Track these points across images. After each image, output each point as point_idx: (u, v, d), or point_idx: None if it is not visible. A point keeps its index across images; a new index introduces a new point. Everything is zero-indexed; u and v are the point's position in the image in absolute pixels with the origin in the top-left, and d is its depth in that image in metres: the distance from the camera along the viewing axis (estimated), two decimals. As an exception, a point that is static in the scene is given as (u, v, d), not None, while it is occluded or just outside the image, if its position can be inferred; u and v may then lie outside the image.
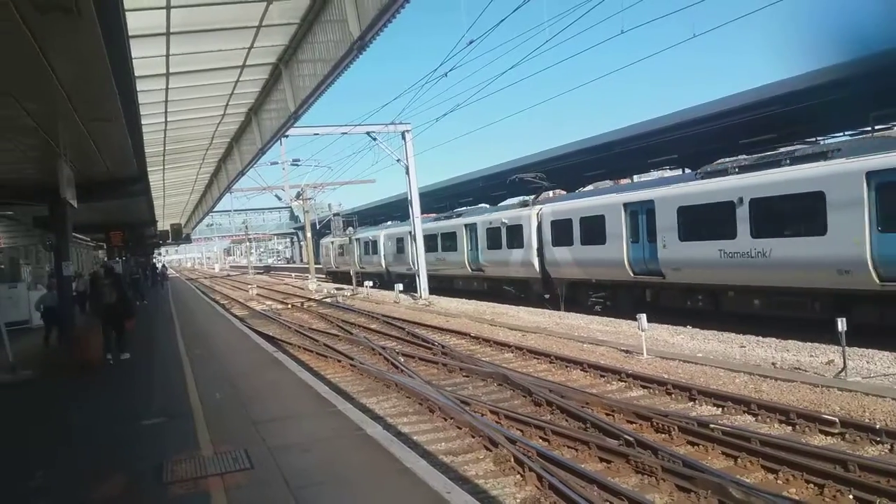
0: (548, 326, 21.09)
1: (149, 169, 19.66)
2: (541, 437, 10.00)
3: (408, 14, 9.96)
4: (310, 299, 39.09)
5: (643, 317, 15.65)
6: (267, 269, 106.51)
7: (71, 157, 14.11)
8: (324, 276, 58.81)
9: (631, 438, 9.33)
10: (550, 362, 15.48)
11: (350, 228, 50.07)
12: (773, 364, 13.83)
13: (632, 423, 10.45)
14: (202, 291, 52.77)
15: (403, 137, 34.00)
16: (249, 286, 53.56)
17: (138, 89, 11.08)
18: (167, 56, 13.09)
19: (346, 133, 33.96)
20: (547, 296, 26.96)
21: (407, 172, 34.44)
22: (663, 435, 9.77)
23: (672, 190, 20.06)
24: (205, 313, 29.60)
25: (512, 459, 8.77)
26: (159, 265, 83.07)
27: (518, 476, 8.43)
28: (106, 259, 37.72)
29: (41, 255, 33.43)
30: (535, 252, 26.71)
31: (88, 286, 19.76)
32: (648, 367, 14.19)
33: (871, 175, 14.46)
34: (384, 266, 44.50)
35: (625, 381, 13.17)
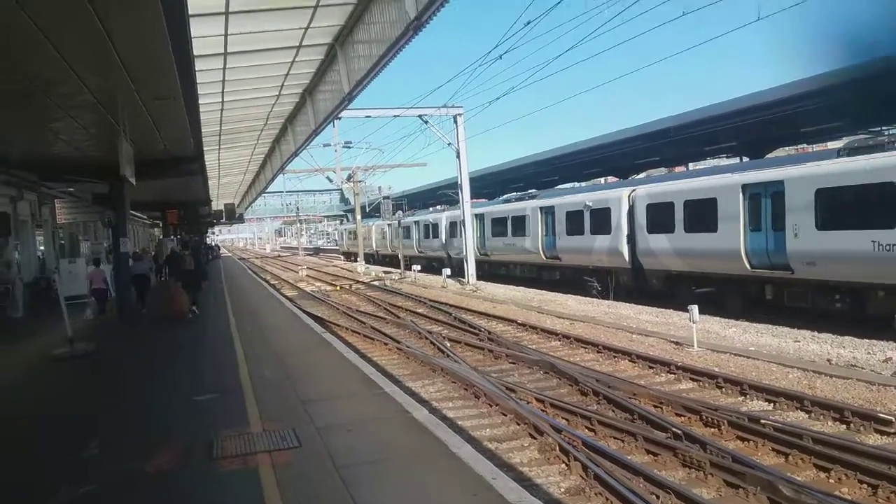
0: (596, 315, 20.88)
1: (205, 148, 19.99)
2: (587, 427, 9.91)
3: (464, -4, 9.87)
4: (358, 282, 39.41)
5: (695, 308, 15.36)
6: (316, 251, 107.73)
7: (130, 135, 14.41)
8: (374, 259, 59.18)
9: (679, 431, 9.19)
10: (598, 352, 15.32)
11: (399, 212, 50.18)
12: (828, 360, 13.45)
13: (680, 415, 10.29)
14: (253, 271, 53.65)
15: (455, 121, 33.91)
16: (299, 267, 54.24)
17: (197, 68, 11.24)
18: (225, 35, 13.27)
19: (398, 116, 34.04)
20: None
21: (458, 156, 34.35)
22: (712, 429, 9.60)
23: (808, 169, 17.33)
24: (255, 292, 30.08)
25: (557, 448, 8.72)
26: (212, 244, 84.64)
27: (563, 465, 8.38)
28: (161, 236, 38.69)
29: (99, 232, 34.31)
30: (624, 239, 24.02)
31: (171, 258, 24.01)
32: (699, 360, 13.94)
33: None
34: (444, 250, 42.47)
35: (674, 374, 12.96)
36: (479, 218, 35.87)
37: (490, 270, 36.34)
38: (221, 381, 10.70)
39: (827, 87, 20.95)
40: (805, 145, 32.19)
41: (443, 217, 42.98)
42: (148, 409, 9.43)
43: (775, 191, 17.69)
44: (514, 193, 37.10)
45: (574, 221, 27.00)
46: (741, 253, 18.71)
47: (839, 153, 17.24)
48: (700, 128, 26.76)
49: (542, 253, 30.06)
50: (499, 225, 34.04)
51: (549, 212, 29.40)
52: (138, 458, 7.04)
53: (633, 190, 24.16)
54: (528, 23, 16.04)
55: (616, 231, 24.17)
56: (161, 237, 41.11)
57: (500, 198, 37.51)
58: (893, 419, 9.29)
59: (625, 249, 23.85)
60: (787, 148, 31.46)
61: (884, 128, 26.59)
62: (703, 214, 20.01)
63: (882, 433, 9.22)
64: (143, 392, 10.62)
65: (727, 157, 32.97)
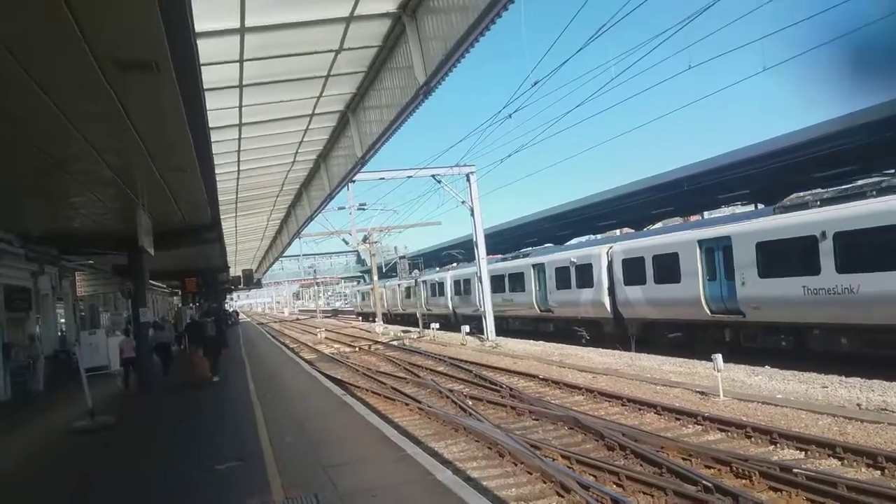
0: (619, 368, 20.65)
1: (222, 216, 20.26)
2: (615, 483, 9.71)
3: (473, 57, 10.09)
4: (377, 342, 39.29)
5: (719, 357, 15.18)
6: (335, 313, 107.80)
7: (148, 207, 14.68)
8: (393, 317, 59.18)
9: (710, 484, 8.98)
10: (623, 405, 15.11)
11: (416, 271, 50.36)
12: (857, 405, 13.19)
13: (710, 467, 10.07)
14: (271, 335, 53.66)
15: (468, 179, 34.24)
16: (317, 329, 54.20)
17: (212, 140, 11.50)
18: (240, 107, 13.60)
19: (411, 176, 34.44)
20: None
21: (472, 214, 34.58)
22: (744, 480, 9.38)
23: (750, 225, 19.66)
24: (274, 357, 30.05)
25: (585, 506, 8.55)
26: (230, 310, 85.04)
27: (592, 523, 8.20)
28: (180, 305, 39.03)
29: (119, 302, 34.60)
30: (605, 291, 26.15)
31: (191, 326, 24.88)
32: (726, 410, 13.71)
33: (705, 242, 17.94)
34: (450, 308, 44.56)
35: (701, 425, 12.73)
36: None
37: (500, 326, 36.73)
38: (242, 449, 10.63)
39: (832, 135, 21.09)
40: (820, 189, 32.18)
41: (447, 276, 43.71)
42: (169, 480, 9.37)
43: (725, 245, 20.31)
44: (521, 250, 37.89)
45: (562, 277, 29.57)
46: (701, 300, 21.11)
47: (774, 210, 19.60)
48: (712, 177, 26.88)
49: (536, 306, 32.51)
50: (497, 282, 35.59)
51: (540, 268, 31.85)
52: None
53: (611, 246, 26.68)
54: (536, 83, 16.31)
55: (598, 284, 26.67)
56: (180, 305, 41.36)
57: (509, 255, 37.84)
58: (929, 464, 9.06)
59: (606, 301, 26.30)
60: (801, 193, 31.46)
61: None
62: (669, 267, 22.43)
63: (918, 478, 8.99)
64: (165, 462, 10.56)
65: (742, 205, 32.98)
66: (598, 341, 27.12)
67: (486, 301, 34.10)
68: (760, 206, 28.81)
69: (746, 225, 19.80)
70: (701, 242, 21.05)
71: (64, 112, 7.75)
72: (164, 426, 14.04)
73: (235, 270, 50.54)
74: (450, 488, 7.54)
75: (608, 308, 26.09)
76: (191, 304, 39.16)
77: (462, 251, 54.95)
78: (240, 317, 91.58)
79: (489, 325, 33.88)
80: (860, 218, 16.05)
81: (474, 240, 34.74)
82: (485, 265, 34.56)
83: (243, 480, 8.80)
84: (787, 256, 18.00)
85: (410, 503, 7.20)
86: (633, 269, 24.27)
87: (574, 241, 42.77)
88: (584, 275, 27.46)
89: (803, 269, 17.30)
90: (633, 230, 37.98)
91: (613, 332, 26.28)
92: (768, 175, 25.54)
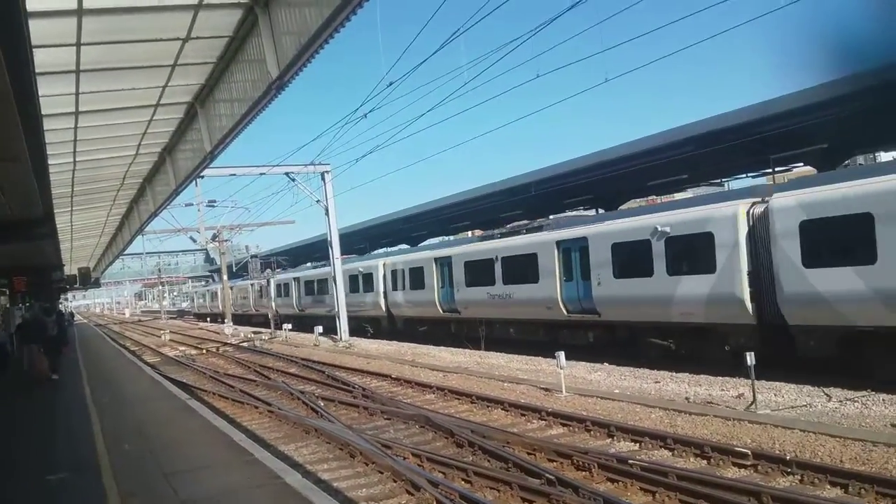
0: (469, 366, 21.12)
1: (56, 211, 18.90)
2: (463, 479, 9.92)
3: (328, 54, 9.97)
4: (226, 344, 38.06)
5: (562, 354, 15.84)
6: (181, 314, 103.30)
7: (-30, 199, 13.46)
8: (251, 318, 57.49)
9: (552, 477, 9.36)
10: (472, 402, 15.47)
11: (267, 270, 49.24)
12: (686, 399, 14.20)
13: (553, 461, 10.51)
14: (111, 338, 50.69)
15: (323, 178, 33.85)
16: (162, 331, 51.76)
17: (45, 128, 10.71)
18: (77, 94, 12.72)
19: (264, 174, 33.58)
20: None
21: (327, 213, 34.22)
22: (584, 472, 9.85)
23: (465, 248, 28.21)
24: (113, 360, 28.40)
25: (434, 503, 8.67)
26: (66, 311, 79.54)
27: (441, 520, 8.33)
28: (8, 305, 36.28)
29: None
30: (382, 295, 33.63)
31: (32, 322, 23.05)
32: (568, 405, 14.34)
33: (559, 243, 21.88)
34: (297, 308, 45.36)
35: (545, 420, 13.27)
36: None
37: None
38: (76, 458, 9.98)
39: (666, 145, 22.59)
40: (654, 196, 34.36)
41: (297, 276, 43.76)
42: (-9, 496, 8.65)
43: (447, 261, 27.12)
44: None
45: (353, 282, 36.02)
46: (436, 302, 27.23)
47: (481, 239, 26.55)
48: (558, 182, 28.00)
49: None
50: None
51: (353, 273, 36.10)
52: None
53: (383, 261, 34.47)
54: (392, 83, 16.40)
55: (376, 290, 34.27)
56: (8, 305, 38.26)
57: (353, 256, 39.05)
58: (749, 452, 9.86)
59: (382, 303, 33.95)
60: (637, 200, 33.48)
61: (723, 179, 28.83)
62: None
63: (739, 466, 9.76)
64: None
65: (584, 209, 34.57)
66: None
67: (339, 301, 33.84)
68: (601, 210, 30.36)
69: (457, 248, 28.65)
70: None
71: None
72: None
73: (71, 269, 47.29)
74: (299, 491, 7.43)
75: (383, 308, 33.87)
76: (20, 305, 36.26)
77: (286, 258, 55.17)
78: (75, 318, 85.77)
79: (342, 325, 33.65)
80: (510, 248, 24.48)
81: (329, 239, 34.40)
82: (339, 265, 34.30)
83: (77, 492, 8.28)
84: (481, 272, 25.64)
85: (257, 508, 7.03)
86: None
87: (431, 241, 43.86)
88: (368, 281, 35.02)
89: (487, 281, 25.19)
90: (483, 231, 39.10)
91: (388, 327, 34.43)
92: (608, 182, 26.93)
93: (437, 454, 11.13)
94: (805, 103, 17.86)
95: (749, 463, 9.71)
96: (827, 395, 13.35)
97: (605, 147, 26.12)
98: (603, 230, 20.21)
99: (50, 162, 13.31)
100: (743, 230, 15.97)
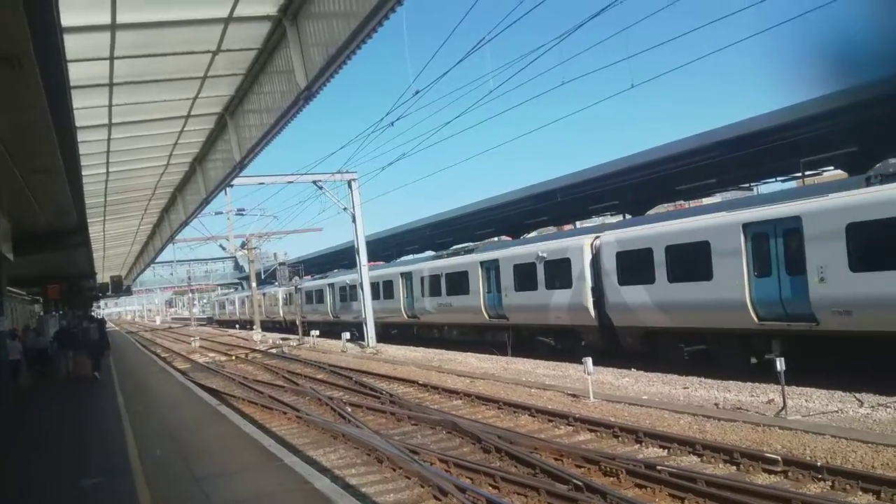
0: (496, 372, 21.14)
1: (89, 220, 19.30)
2: (490, 485, 9.96)
3: (355, 65, 10.11)
4: (254, 350, 38.43)
5: (589, 360, 15.82)
6: (210, 321, 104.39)
7: (7, 209, 13.80)
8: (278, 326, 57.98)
9: (580, 483, 9.36)
10: (499, 408, 15.50)
11: (296, 278, 49.66)
12: (715, 404, 14.10)
13: (580, 467, 10.50)
14: (142, 345, 51.39)
15: (350, 186, 34.11)
16: (191, 338, 52.37)
17: (79, 140, 10.97)
18: (110, 107, 13.02)
19: (291, 182, 33.94)
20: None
21: (353, 221, 34.46)
22: (611, 478, 9.84)
23: (418, 266, 33.29)
24: (145, 367, 28.83)
25: (462, 508, 8.72)
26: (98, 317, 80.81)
27: (468, 525, 8.38)
28: (42, 313, 37.05)
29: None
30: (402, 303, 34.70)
31: (68, 330, 27.54)
32: (595, 411, 14.31)
33: (484, 263, 26.91)
34: (330, 314, 45.07)
35: (572, 426, 13.26)
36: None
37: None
38: (109, 463, 10.16)
39: (693, 150, 22.49)
40: (682, 202, 34.13)
41: (326, 284, 43.61)
42: (29, 498, 8.84)
43: (420, 276, 31.77)
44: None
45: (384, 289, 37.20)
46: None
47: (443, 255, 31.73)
48: (583, 188, 27.97)
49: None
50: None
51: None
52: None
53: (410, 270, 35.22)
54: (417, 92, 16.52)
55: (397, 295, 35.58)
56: (42, 313, 39.01)
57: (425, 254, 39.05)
58: (779, 458, 9.79)
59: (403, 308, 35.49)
60: (665, 205, 33.28)
61: (752, 184, 28.59)
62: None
63: (769, 472, 9.67)
64: (25, 479, 9.92)
65: (611, 215, 34.46)
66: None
67: (366, 307, 34.03)
68: (628, 216, 30.23)
69: (421, 265, 33.26)
70: (402, 274, 32.81)
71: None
72: (25, 440, 13.21)
73: (103, 277, 48.07)
74: (328, 496, 7.52)
75: (404, 314, 34.88)
76: (54, 312, 36.95)
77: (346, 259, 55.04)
78: (106, 326, 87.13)
79: (370, 331, 33.83)
80: (452, 266, 29.54)
81: (356, 246, 34.62)
82: (366, 272, 34.50)
83: (110, 496, 8.43)
84: (432, 285, 30.91)
85: (287, 512, 7.13)
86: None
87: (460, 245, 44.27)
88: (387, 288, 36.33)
89: (436, 292, 30.36)
90: (510, 237, 39.26)
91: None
92: (635, 187, 26.87)
93: (464, 460, 11.17)
94: (835, 106, 17.70)
95: (779, 469, 9.63)
96: (859, 400, 13.19)
97: (631, 153, 25.95)
98: (508, 254, 25.75)
99: (84, 173, 13.63)
100: (587, 257, 21.32)
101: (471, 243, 32.06)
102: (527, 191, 31.89)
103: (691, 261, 17.47)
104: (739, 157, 22.02)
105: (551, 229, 38.76)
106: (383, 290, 35.98)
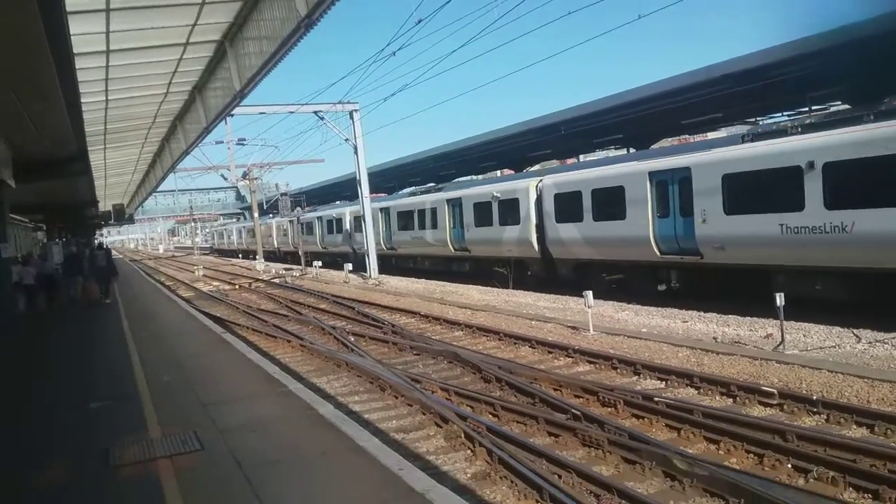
0: (496, 304, 21.31)
1: (89, 148, 19.21)
2: (490, 413, 10.15)
3: (355, -8, 9.77)
4: (258, 280, 38.70)
5: (589, 294, 15.92)
6: (212, 250, 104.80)
7: (8, 136, 13.70)
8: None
9: (578, 413, 9.53)
10: (499, 339, 15.68)
11: (298, 209, 49.63)
12: (714, 338, 14.24)
13: (579, 397, 10.68)
14: (146, 273, 51.74)
15: (351, 117, 33.72)
16: (195, 267, 52.69)
17: (77, 66, 10.80)
18: (107, 33, 12.78)
19: (293, 112, 33.51)
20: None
21: (355, 152, 34.20)
22: (609, 409, 10.01)
23: (393, 202, 36.27)
24: (149, 295, 29.11)
25: (462, 435, 8.90)
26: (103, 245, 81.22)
27: (468, 451, 8.56)
28: (45, 240, 37.33)
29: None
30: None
31: (74, 257, 28.95)
32: (595, 343, 14.47)
33: (450, 201, 29.82)
34: (319, 245, 47.02)
35: (572, 357, 13.42)
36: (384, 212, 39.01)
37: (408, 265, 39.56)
38: (117, 388, 10.35)
39: (698, 83, 22.08)
40: (687, 136, 33.73)
41: (346, 212, 43.29)
42: (38, 421, 9.03)
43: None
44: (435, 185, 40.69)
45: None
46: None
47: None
48: (588, 121, 27.62)
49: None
50: (407, 218, 36.89)
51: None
52: (30, 470, 6.76)
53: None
54: (420, 21, 16.19)
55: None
56: (45, 241, 39.19)
57: (419, 189, 38.61)
58: (775, 391, 9.92)
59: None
60: (669, 139, 32.94)
61: (757, 118, 28.19)
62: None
63: (765, 405, 9.80)
64: (33, 403, 10.13)
65: (615, 149, 34.16)
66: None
67: (369, 239, 34.09)
68: (632, 150, 29.96)
69: (395, 202, 36.09)
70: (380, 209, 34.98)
71: None
72: (33, 367, 13.44)
73: (105, 205, 48.06)
74: (331, 422, 7.68)
75: (383, 246, 36.65)
76: (57, 240, 37.09)
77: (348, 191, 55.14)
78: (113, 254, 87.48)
79: (372, 262, 33.98)
80: (423, 203, 32.09)
81: (357, 178, 34.45)
82: (368, 203, 34.44)
83: (119, 419, 8.60)
84: (407, 220, 33.71)
85: (292, 437, 7.28)
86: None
87: (464, 178, 44.02)
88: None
89: (409, 227, 33.42)
90: (513, 170, 39.14)
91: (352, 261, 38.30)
92: (640, 121, 26.53)
93: (465, 389, 11.37)
94: (843, 40, 17.31)
95: (775, 402, 9.77)
96: (857, 336, 13.30)
97: (635, 87, 25.48)
98: (469, 193, 28.54)
99: (83, 100, 13.46)
100: (533, 198, 23.95)
101: (439, 184, 35.18)
102: (530, 123, 31.48)
103: (611, 203, 20.24)
104: (746, 91, 21.64)
105: (554, 163, 38.53)
106: (335, 226, 41.37)
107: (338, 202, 52.56)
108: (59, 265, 29.06)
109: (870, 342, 12.79)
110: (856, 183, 14.15)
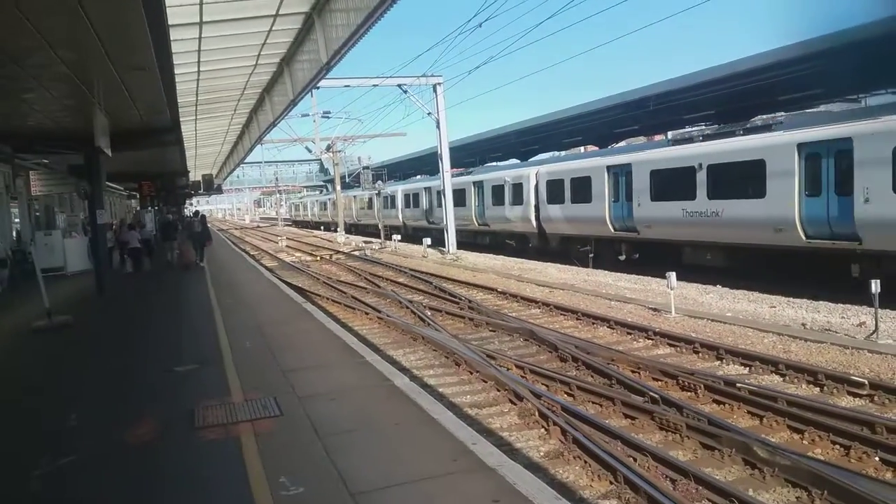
0: (575, 283, 21.06)
1: (181, 119, 19.76)
2: (566, 393, 10.07)
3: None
4: (338, 252, 39.38)
5: (672, 275, 15.56)
6: (296, 222, 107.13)
7: (105, 106, 14.23)
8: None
9: (656, 396, 9.36)
10: (577, 319, 15.49)
11: (379, 182, 50.10)
12: (803, 325, 13.70)
13: (657, 380, 10.47)
14: (232, 242, 53.39)
15: (434, 90, 33.68)
16: (279, 238, 54.02)
17: (172, 38, 11.09)
18: (201, 4, 13.07)
19: (376, 85, 33.67)
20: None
21: (438, 126, 34.19)
22: (689, 393, 9.79)
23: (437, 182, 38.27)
24: (234, 263, 30.04)
25: (536, 413, 8.86)
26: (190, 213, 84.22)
27: (542, 430, 8.53)
28: (138, 208, 39.05)
29: (75, 203, 33.93)
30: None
31: (169, 224, 31.67)
32: (676, 326, 14.15)
33: (476, 183, 35.80)
34: (401, 220, 48.53)
35: (651, 339, 13.15)
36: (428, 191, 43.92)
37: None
38: (202, 352, 10.71)
39: (804, 56, 21.00)
40: (783, 113, 32.27)
41: (421, 187, 44.03)
42: (128, 381, 9.44)
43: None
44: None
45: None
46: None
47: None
48: (679, 96, 26.75)
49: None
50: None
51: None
52: (119, 428, 7.07)
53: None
54: (506, -9, 16.00)
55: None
56: (138, 208, 40.82)
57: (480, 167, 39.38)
58: (866, 382, 9.50)
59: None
60: (764, 116, 31.60)
61: (861, 95, 26.75)
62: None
63: (854, 395, 9.43)
64: (123, 363, 10.60)
65: (707, 125, 33.01)
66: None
67: (448, 214, 34.16)
68: (724, 126, 28.90)
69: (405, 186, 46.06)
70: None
71: (17, 3, 7.38)
72: (123, 328, 14.06)
73: (195, 175, 49.60)
74: (406, 394, 7.75)
75: (426, 221, 42.68)
76: (149, 208, 38.58)
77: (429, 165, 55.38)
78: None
79: (450, 238, 34.06)
80: (455, 184, 35.66)
81: (439, 153, 34.48)
82: (448, 178, 34.45)
83: (203, 383, 8.90)
84: (414, 201, 43.69)
85: (368, 407, 7.38)
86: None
87: (546, 154, 43.81)
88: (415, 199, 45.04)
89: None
90: (597, 147, 38.52)
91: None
92: (735, 96, 25.52)
93: (540, 367, 11.29)
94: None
95: (865, 393, 9.37)
96: (958, 328, 12.57)
97: (730, 61, 24.44)
98: (488, 177, 34.38)
99: (176, 71, 13.83)
100: (533, 183, 29.52)
101: (465, 168, 42.23)
102: (617, 98, 30.64)
103: (582, 189, 25.92)
104: (846, 67, 20.48)
105: (641, 140, 37.57)
106: (413, 200, 45.19)
107: (418, 176, 52.84)
108: (155, 232, 31.18)
109: (974, 336, 12.06)
110: (723, 181, 19.36)
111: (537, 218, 29.23)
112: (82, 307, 16.50)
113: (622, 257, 25.11)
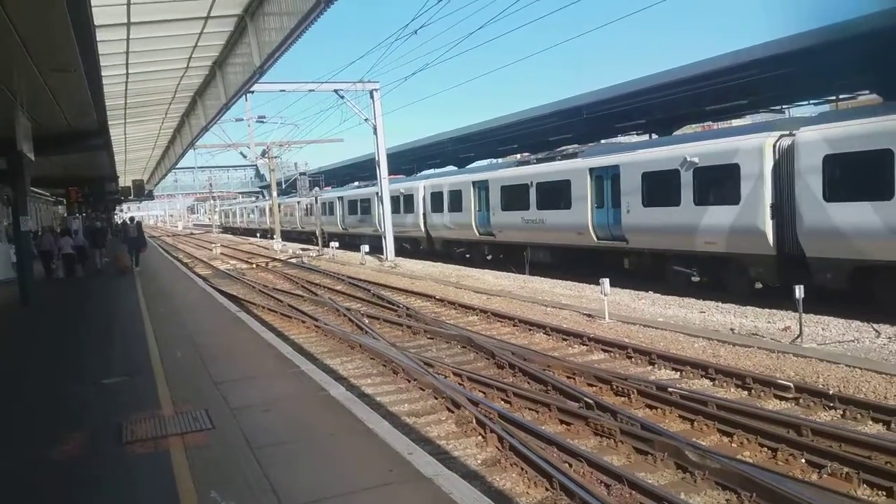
0: (512, 290, 21.22)
1: (109, 122, 19.20)
2: (503, 400, 10.09)
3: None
4: (274, 259, 38.83)
5: (606, 281, 15.80)
6: (229, 229, 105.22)
7: (28, 109, 13.71)
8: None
9: (591, 401, 9.46)
10: (514, 325, 15.59)
11: (316, 188, 49.64)
12: (731, 330, 14.09)
13: (592, 386, 10.60)
14: (164, 249, 52.10)
15: (371, 96, 33.58)
16: (213, 245, 52.97)
17: (98, 39, 10.75)
18: (128, 4, 12.70)
19: (313, 90, 33.38)
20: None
21: (375, 132, 34.08)
22: (622, 398, 9.93)
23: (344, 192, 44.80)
24: (166, 271, 29.30)
25: (474, 421, 8.85)
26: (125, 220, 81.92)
27: (479, 437, 8.52)
28: (65, 214, 37.94)
29: (-1, 210, 32.58)
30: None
31: (98, 231, 31.82)
32: (610, 332, 14.36)
33: (427, 188, 34.99)
34: (341, 227, 47.75)
35: (586, 345, 13.32)
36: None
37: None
38: (131, 364, 10.38)
39: (731, 67, 21.63)
40: (710, 122, 33.22)
41: (341, 195, 47.00)
42: (52, 395, 9.08)
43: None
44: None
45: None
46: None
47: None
48: (611, 105, 27.24)
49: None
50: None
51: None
52: (43, 445, 6.77)
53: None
54: (442, -2, 16.07)
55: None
56: (65, 215, 39.53)
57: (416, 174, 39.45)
58: (791, 385, 9.79)
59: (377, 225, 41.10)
60: (693, 126, 32.51)
61: (784, 106, 27.73)
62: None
63: (780, 398, 9.70)
64: (47, 376, 10.17)
65: (637, 134, 33.71)
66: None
67: (386, 221, 34.05)
68: (654, 136, 29.58)
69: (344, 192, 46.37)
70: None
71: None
72: (49, 339, 13.53)
73: (125, 181, 48.24)
74: (342, 403, 7.65)
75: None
76: (76, 214, 37.33)
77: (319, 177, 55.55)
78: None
79: (388, 245, 33.97)
80: (359, 195, 42.15)
81: (376, 159, 34.36)
82: (386, 185, 34.36)
83: (131, 395, 8.61)
84: (358, 208, 43.28)
85: (302, 418, 7.25)
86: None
87: (483, 162, 43.90)
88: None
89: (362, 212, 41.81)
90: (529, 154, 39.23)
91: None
92: (664, 106, 26.13)
93: (477, 374, 11.31)
94: (878, 26, 16.86)
95: (791, 396, 9.65)
96: (876, 330, 13.11)
97: (660, 71, 25.02)
98: (394, 188, 36.05)
99: (103, 73, 13.42)
100: (421, 195, 33.71)
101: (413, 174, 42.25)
102: (552, 106, 31.04)
103: (456, 200, 30.84)
104: (772, 79, 21.22)
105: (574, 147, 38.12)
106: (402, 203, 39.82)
107: (355, 183, 52.59)
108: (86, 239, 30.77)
109: (889, 337, 12.62)
110: (546, 196, 24.34)
111: (425, 224, 34.01)
112: (3, 319, 15.82)
113: (489, 257, 29.96)
